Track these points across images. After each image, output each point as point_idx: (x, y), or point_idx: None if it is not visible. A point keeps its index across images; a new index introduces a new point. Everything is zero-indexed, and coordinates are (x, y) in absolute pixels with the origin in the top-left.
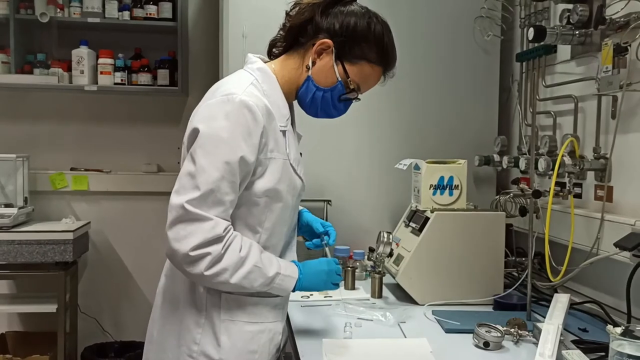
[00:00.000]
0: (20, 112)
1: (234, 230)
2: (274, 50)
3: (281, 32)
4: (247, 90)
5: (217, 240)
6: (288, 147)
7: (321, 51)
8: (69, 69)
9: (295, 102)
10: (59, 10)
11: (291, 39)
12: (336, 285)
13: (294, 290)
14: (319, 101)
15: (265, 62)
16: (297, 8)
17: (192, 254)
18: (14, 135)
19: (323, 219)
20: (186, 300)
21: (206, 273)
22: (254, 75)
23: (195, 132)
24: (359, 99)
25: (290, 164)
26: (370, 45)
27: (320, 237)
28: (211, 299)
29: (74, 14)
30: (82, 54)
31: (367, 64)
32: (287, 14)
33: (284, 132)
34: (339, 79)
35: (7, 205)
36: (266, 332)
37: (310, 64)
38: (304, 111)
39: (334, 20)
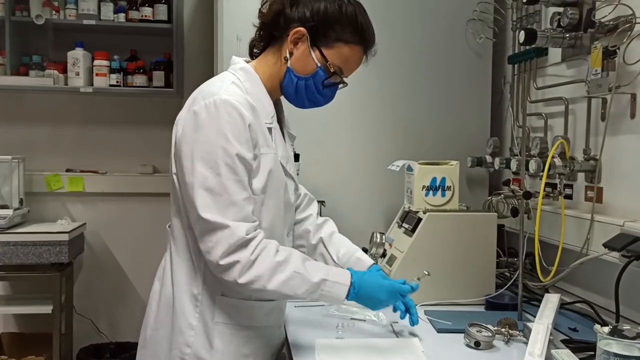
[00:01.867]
0: (16, 114)
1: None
2: (254, 50)
3: (258, 32)
4: (227, 89)
5: (242, 245)
6: (275, 144)
7: (296, 40)
8: (64, 70)
9: (284, 101)
10: (54, 12)
11: (267, 36)
12: (398, 305)
13: (348, 299)
14: (302, 90)
15: (248, 62)
16: (267, 3)
17: (221, 262)
18: (10, 137)
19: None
20: (179, 303)
21: (240, 281)
22: (236, 74)
23: (186, 143)
24: (346, 83)
25: (279, 161)
26: (344, 27)
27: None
28: (206, 301)
29: (70, 15)
30: (77, 55)
31: (345, 45)
32: (260, 11)
33: (270, 129)
34: (318, 64)
35: (3, 207)
36: (261, 336)
37: (287, 55)
38: (292, 104)
39: (304, 9)
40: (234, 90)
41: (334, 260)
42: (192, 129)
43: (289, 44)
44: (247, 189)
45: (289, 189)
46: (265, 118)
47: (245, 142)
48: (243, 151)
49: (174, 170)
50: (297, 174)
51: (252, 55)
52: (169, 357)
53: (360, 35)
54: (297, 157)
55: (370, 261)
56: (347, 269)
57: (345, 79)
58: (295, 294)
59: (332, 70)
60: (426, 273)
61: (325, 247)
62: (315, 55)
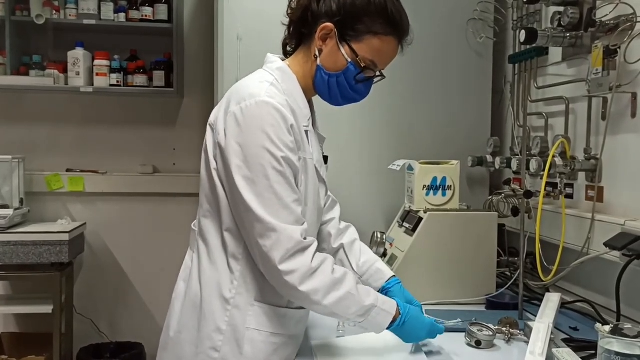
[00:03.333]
0: (16, 114)
1: None
2: (288, 49)
3: (287, 30)
4: (268, 90)
5: (300, 250)
6: (312, 147)
7: (325, 37)
8: (64, 70)
9: (317, 101)
10: (54, 12)
11: (297, 34)
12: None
13: (389, 329)
14: (335, 88)
15: (283, 61)
16: (294, 1)
17: (281, 267)
18: (10, 137)
19: None
20: (209, 306)
21: (301, 288)
22: (273, 75)
23: (230, 146)
24: (383, 76)
25: (314, 165)
26: (373, 18)
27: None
28: (238, 306)
29: (70, 15)
30: (77, 55)
31: (375, 38)
32: (288, 8)
33: (307, 132)
34: (349, 60)
35: (3, 207)
36: (289, 344)
37: (317, 52)
38: (328, 102)
39: (331, 3)
40: (274, 92)
41: (352, 269)
42: (235, 132)
43: (318, 40)
44: (296, 191)
45: (321, 193)
46: (303, 120)
47: (290, 144)
48: (289, 153)
49: (211, 171)
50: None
51: (286, 54)
52: None
53: (392, 25)
54: (325, 159)
55: (390, 273)
56: (393, 298)
57: (382, 72)
58: (346, 314)
59: (363, 65)
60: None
61: (345, 254)
62: (344, 50)
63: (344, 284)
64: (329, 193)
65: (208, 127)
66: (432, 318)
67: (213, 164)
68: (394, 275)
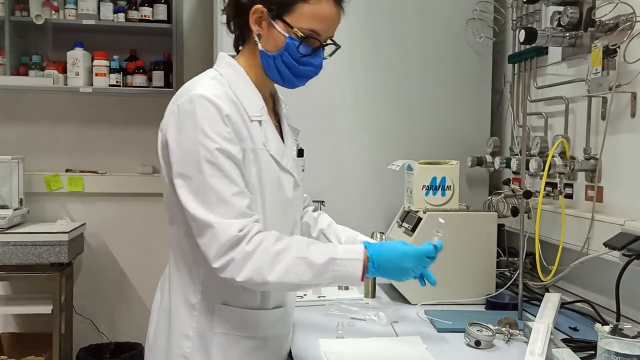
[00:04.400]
0: (16, 114)
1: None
2: (239, 48)
3: (229, 29)
4: (206, 85)
5: (235, 243)
6: (265, 137)
7: (259, 20)
8: (64, 71)
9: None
10: (54, 12)
11: (238, 30)
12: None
13: (370, 276)
14: (283, 68)
15: (234, 57)
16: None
17: (215, 265)
18: (10, 137)
19: None
20: (176, 312)
21: (238, 279)
22: (219, 70)
23: (170, 144)
24: (336, 45)
25: (272, 156)
26: None
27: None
28: (204, 310)
29: (70, 16)
30: (77, 56)
31: (305, 4)
32: (224, 8)
33: (260, 123)
34: (286, 35)
35: (3, 207)
36: (267, 347)
37: (257, 39)
38: (286, 88)
39: None
40: (212, 85)
41: None
42: (173, 130)
43: (254, 27)
44: (236, 183)
45: (285, 185)
46: (254, 111)
47: (227, 135)
48: (225, 145)
49: (164, 176)
50: (303, 170)
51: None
52: None
53: None
54: (301, 152)
55: (375, 242)
56: (363, 243)
57: (334, 41)
58: (303, 281)
59: (302, 36)
60: (442, 221)
61: (326, 237)
62: (280, 27)
63: (288, 253)
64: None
65: (159, 132)
66: (429, 243)
67: (164, 169)
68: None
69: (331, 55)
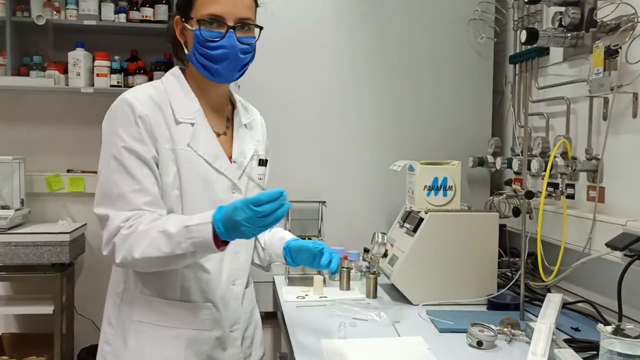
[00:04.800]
0: (17, 115)
1: None
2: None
3: (174, 53)
4: (137, 88)
5: (118, 230)
6: (193, 138)
7: (181, 30)
8: (65, 71)
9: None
10: (55, 12)
11: (178, 51)
12: (270, 220)
13: (223, 238)
14: (203, 60)
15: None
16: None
17: (105, 253)
18: (10, 138)
19: (318, 220)
20: (107, 301)
21: (117, 261)
22: (163, 79)
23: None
24: (248, 23)
25: (201, 157)
26: None
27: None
28: (127, 299)
29: (70, 16)
30: (78, 56)
31: None
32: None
33: (192, 124)
34: (193, 28)
35: (4, 207)
36: (182, 339)
37: (184, 47)
38: (222, 82)
39: (174, 5)
40: (141, 89)
41: (262, 247)
42: (102, 129)
43: (180, 38)
44: (137, 180)
45: (216, 187)
46: (183, 114)
47: (136, 135)
48: (132, 144)
49: None
50: (260, 178)
51: None
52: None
53: None
54: (262, 162)
55: (291, 235)
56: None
57: (250, 22)
58: (164, 252)
59: (199, 19)
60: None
61: (256, 238)
62: (189, 25)
63: (153, 229)
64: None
65: None
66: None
67: None
68: (296, 237)
69: (258, 37)
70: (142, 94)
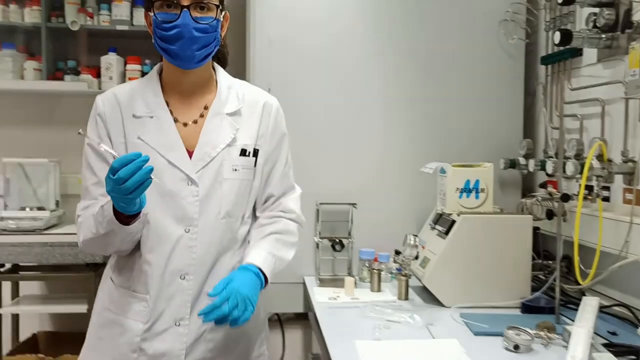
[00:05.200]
0: (52, 118)
1: None
2: None
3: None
4: (114, 87)
5: (77, 220)
6: (145, 131)
7: (150, 22)
8: (98, 75)
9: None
10: (88, 18)
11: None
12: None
13: (123, 211)
14: (161, 43)
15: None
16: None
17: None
18: (46, 140)
19: (348, 222)
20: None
21: (79, 246)
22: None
23: None
24: (202, 2)
25: (153, 148)
26: None
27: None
28: (103, 285)
29: (103, 22)
30: (110, 60)
31: None
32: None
33: (150, 117)
34: (152, 14)
35: (40, 209)
36: (117, 325)
37: (153, 37)
38: (188, 65)
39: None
40: (117, 87)
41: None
42: None
43: (149, 29)
44: (95, 174)
45: (165, 177)
46: (145, 108)
47: (95, 131)
48: (93, 140)
49: None
50: (235, 170)
51: None
52: None
53: None
54: (245, 152)
55: (259, 258)
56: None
57: (209, 4)
58: (93, 233)
59: (157, 7)
60: (80, 132)
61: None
62: (151, 13)
63: (90, 216)
64: (276, 196)
65: None
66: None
67: None
68: (252, 264)
69: (218, 16)
70: (110, 92)
